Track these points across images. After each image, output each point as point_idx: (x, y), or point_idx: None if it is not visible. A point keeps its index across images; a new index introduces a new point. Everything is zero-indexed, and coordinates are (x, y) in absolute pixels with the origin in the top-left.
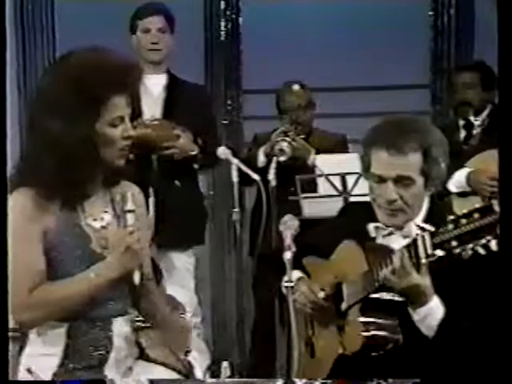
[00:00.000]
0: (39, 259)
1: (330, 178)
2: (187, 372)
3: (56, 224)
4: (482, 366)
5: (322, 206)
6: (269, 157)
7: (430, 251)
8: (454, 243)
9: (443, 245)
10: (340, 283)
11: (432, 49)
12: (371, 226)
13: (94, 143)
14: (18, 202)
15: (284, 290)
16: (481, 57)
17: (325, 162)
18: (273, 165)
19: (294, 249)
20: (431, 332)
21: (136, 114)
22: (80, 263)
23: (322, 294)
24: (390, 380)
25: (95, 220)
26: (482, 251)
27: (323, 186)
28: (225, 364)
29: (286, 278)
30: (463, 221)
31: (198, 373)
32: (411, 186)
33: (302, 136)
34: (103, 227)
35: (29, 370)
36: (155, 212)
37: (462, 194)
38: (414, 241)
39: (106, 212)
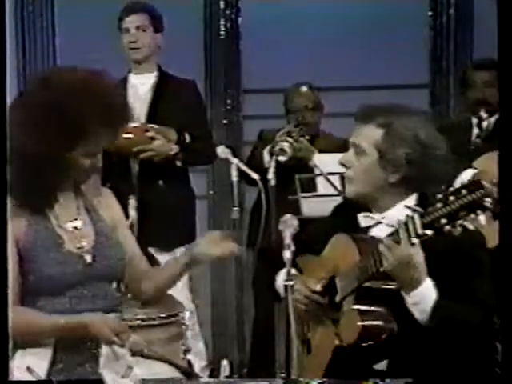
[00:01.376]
0: (11, 277)
1: (330, 177)
2: (187, 370)
3: (27, 230)
4: (473, 351)
5: (321, 205)
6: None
7: (420, 231)
8: (444, 221)
9: (433, 224)
10: (333, 277)
11: (431, 49)
12: (360, 216)
13: (64, 167)
14: None
15: (279, 289)
16: (480, 57)
17: (324, 162)
18: (272, 164)
19: (293, 248)
20: (424, 316)
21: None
22: (56, 264)
23: (318, 287)
24: (388, 380)
25: (68, 222)
26: (471, 227)
27: (323, 186)
28: (224, 362)
29: (285, 277)
30: (452, 198)
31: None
32: (362, 156)
33: (307, 137)
34: (76, 228)
35: (28, 369)
36: (138, 214)
37: None
38: (405, 223)
39: (79, 214)
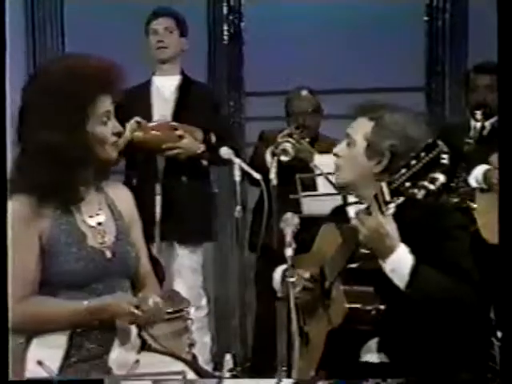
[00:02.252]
0: (33, 269)
1: (329, 176)
2: (193, 363)
3: (51, 225)
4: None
5: (321, 204)
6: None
7: (387, 198)
8: (408, 184)
9: (399, 189)
10: (322, 266)
11: (427, 52)
12: (349, 208)
13: (88, 144)
14: (15, 208)
15: (277, 286)
16: (475, 60)
17: (324, 162)
18: (274, 164)
19: (294, 245)
20: (404, 282)
21: (145, 115)
22: (78, 259)
23: (307, 274)
24: (389, 380)
25: (91, 217)
26: (432, 186)
27: (322, 185)
28: (227, 356)
29: (287, 274)
30: (413, 162)
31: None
32: (352, 146)
33: (308, 139)
34: (99, 224)
35: (39, 362)
36: (162, 209)
37: (482, 191)
38: (375, 195)
39: (101, 209)
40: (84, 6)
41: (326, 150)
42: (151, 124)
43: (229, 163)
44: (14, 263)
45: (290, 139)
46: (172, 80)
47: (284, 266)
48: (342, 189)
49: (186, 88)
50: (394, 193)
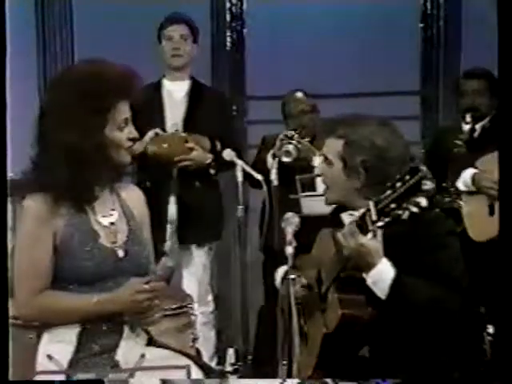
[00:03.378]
0: (48, 263)
1: None
2: (197, 358)
3: (65, 224)
4: (459, 339)
5: (320, 204)
6: (275, 159)
7: (374, 218)
8: (393, 205)
9: (384, 209)
10: (319, 270)
11: (422, 58)
12: (343, 214)
13: (104, 147)
14: (31, 206)
15: (278, 285)
16: (467, 66)
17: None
18: (274, 165)
19: (294, 243)
20: (384, 294)
21: (158, 119)
22: (90, 257)
23: (303, 280)
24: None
25: (104, 217)
26: (415, 209)
27: (322, 186)
28: (230, 351)
29: (288, 271)
30: (398, 184)
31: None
32: (330, 166)
33: (307, 139)
34: (112, 223)
35: (49, 357)
36: (178, 215)
37: (470, 193)
38: (362, 214)
39: (114, 210)
40: (94, 13)
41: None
42: (163, 137)
43: (232, 167)
44: (28, 258)
45: (291, 141)
46: (182, 85)
47: (285, 267)
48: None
49: (196, 92)
50: (381, 213)
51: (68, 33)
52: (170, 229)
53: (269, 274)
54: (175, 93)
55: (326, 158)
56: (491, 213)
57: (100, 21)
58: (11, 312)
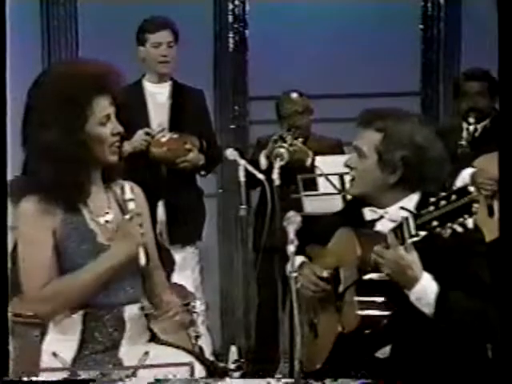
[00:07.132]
0: (49, 258)
1: (330, 177)
2: (200, 355)
3: (62, 224)
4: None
5: (321, 203)
6: (269, 160)
7: (413, 232)
8: (435, 223)
9: (425, 225)
10: (337, 267)
11: (422, 59)
12: (366, 210)
13: (87, 144)
14: (26, 208)
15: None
16: (467, 67)
17: (324, 163)
18: (276, 165)
19: (296, 242)
20: (431, 309)
21: (143, 121)
22: (88, 255)
23: (325, 273)
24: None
25: (100, 215)
26: (459, 229)
27: (323, 185)
28: (233, 348)
29: (289, 269)
30: (442, 202)
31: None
32: (363, 159)
33: (301, 139)
34: (108, 221)
35: (54, 354)
36: (166, 213)
37: None
38: (400, 224)
39: (110, 208)
40: (98, 17)
41: (319, 148)
42: (164, 139)
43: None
44: (31, 257)
45: (283, 144)
46: (163, 87)
47: (302, 259)
48: (357, 198)
49: (178, 93)
50: (420, 227)
51: (73, 37)
52: (159, 229)
53: (264, 272)
54: (158, 95)
55: (357, 150)
56: (490, 214)
57: (104, 24)
58: (18, 310)
